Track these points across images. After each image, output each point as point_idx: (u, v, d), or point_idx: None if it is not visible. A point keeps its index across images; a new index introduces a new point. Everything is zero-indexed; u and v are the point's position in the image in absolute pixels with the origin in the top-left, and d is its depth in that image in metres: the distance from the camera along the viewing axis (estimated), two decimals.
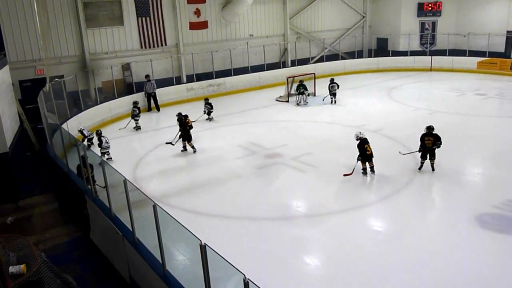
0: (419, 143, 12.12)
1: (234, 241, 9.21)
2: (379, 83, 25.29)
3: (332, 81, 20.77)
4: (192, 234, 5.44)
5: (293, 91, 21.84)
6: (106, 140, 14.30)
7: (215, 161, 14.06)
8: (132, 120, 18.01)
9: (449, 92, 22.46)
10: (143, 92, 20.89)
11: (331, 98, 20.78)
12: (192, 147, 14.78)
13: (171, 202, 11.03)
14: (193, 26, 24.11)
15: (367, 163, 12.02)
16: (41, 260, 7.05)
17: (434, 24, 30.15)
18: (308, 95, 21.42)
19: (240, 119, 19.17)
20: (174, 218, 6.09)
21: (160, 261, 6.58)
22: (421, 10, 29.99)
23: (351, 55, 30.72)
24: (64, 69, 19.87)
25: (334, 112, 19.46)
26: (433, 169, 12.09)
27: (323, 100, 20.96)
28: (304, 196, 11.50)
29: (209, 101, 18.83)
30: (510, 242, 8.81)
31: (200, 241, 5.12)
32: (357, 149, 11.95)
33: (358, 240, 9.07)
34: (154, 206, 6.34)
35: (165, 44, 23.36)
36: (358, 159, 11.98)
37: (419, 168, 12.21)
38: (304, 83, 21.29)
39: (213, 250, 5.02)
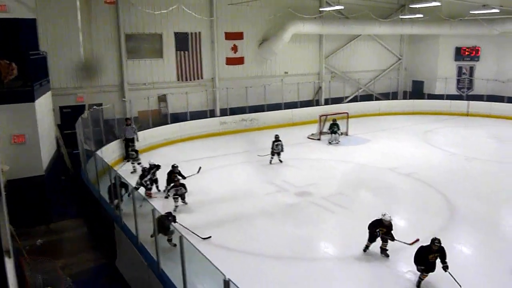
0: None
1: (259, 279, 9.02)
2: (414, 126, 24.90)
3: (277, 138, 17.35)
4: (217, 268, 5.36)
5: (325, 130, 21.76)
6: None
7: (245, 197, 13.99)
8: (131, 162, 16.45)
9: (487, 138, 21.89)
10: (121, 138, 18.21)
11: (272, 158, 17.34)
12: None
13: (199, 235, 10.96)
14: (230, 61, 24.65)
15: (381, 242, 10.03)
16: (66, 284, 7.09)
17: (472, 68, 29.73)
18: (341, 134, 21.31)
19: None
20: (199, 251, 6.04)
21: None
22: (459, 54, 29.68)
23: (385, 96, 30.55)
24: (103, 97, 20.42)
25: (366, 153, 19.15)
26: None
27: (259, 155, 18.00)
28: (333, 238, 11.25)
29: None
30: None
31: (224, 276, 5.04)
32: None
33: (386, 286, 8.73)
34: (181, 238, 6.32)
35: (202, 78, 23.82)
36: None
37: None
38: (337, 122, 21.22)
39: (237, 286, 4.93)
